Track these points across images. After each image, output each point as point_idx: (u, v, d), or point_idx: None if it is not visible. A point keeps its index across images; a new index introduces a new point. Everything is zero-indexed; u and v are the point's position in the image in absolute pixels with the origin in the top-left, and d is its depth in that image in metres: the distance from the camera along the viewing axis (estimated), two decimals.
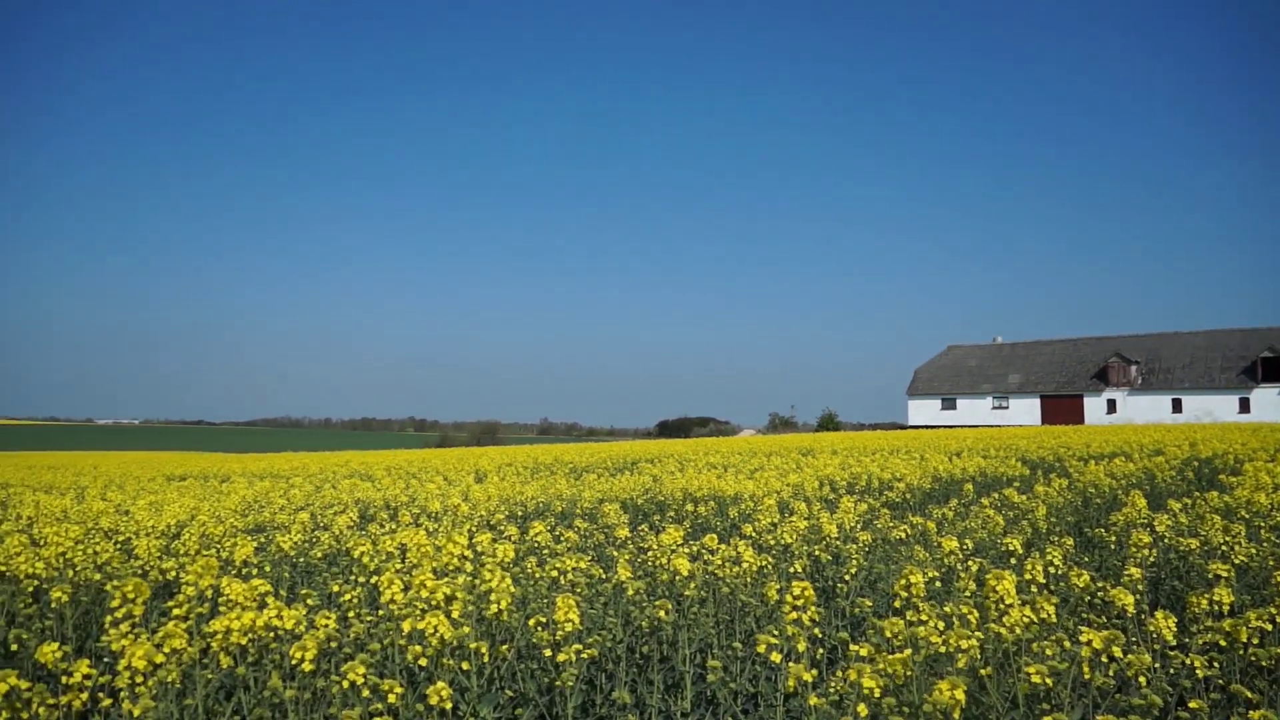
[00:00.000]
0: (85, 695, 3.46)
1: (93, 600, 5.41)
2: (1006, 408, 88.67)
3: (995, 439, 27.26)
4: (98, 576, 5.51)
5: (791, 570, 5.91)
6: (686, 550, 5.82)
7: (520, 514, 11.17)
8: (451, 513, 9.15)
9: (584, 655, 3.93)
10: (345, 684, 3.45)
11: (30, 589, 5.27)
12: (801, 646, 3.87)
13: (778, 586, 4.96)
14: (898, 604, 4.43)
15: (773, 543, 6.55)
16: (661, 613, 4.45)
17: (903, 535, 7.16)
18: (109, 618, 3.93)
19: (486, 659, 3.90)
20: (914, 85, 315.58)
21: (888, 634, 3.90)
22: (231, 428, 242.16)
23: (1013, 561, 5.89)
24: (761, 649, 3.84)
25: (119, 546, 6.96)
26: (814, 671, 3.60)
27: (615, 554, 6.86)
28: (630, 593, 4.71)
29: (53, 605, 5.02)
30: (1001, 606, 3.89)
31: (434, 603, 3.90)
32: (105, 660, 4.21)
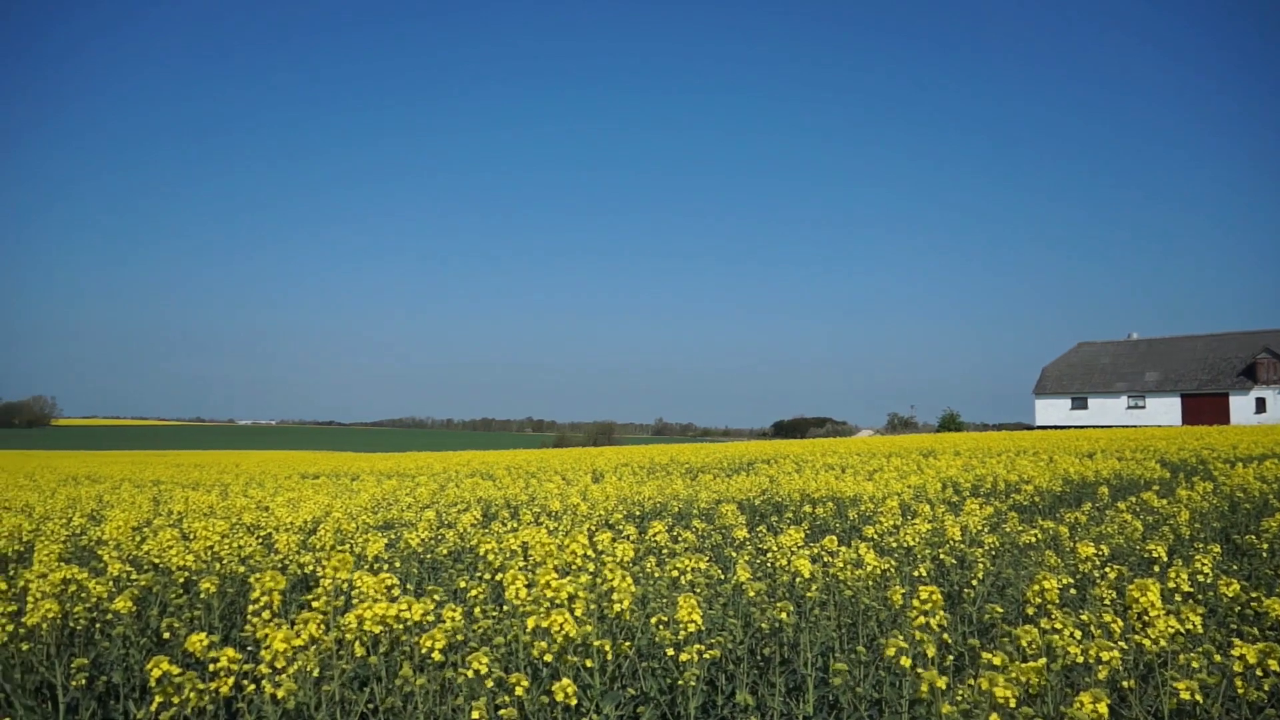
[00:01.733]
0: (231, 681, 3.65)
1: (238, 592, 5.71)
2: (1143, 407, 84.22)
3: (1131, 440, 25.93)
4: (242, 569, 5.81)
5: (915, 574, 5.76)
6: (806, 552, 5.74)
7: (638, 514, 11.24)
8: (571, 512, 9.28)
9: (706, 656, 3.92)
10: (469, 673, 3.53)
11: (181, 580, 5.60)
12: (931, 652, 3.76)
13: (902, 590, 4.84)
14: (1030, 611, 4.26)
15: (895, 545, 6.39)
16: (783, 614, 4.40)
17: (1032, 540, 6.89)
18: (250, 608, 4.13)
19: (609, 657, 3.93)
20: (1040, 79, 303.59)
21: (1021, 642, 3.76)
22: (360, 428, 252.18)
23: (1155, 569, 5.59)
24: (890, 653, 3.75)
25: (261, 541, 7.33)
26: (945, 678, 3.49)
27: (733, 555, 6.82)
28: (751, 594, 4.68)
29: (201, 596, 5.31)
30: (1147, 617, 3.69)
31: (557, 601, 3.96)
32: (249, 649, 4.44)
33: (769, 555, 6.25)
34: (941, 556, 6.12)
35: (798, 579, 4.85)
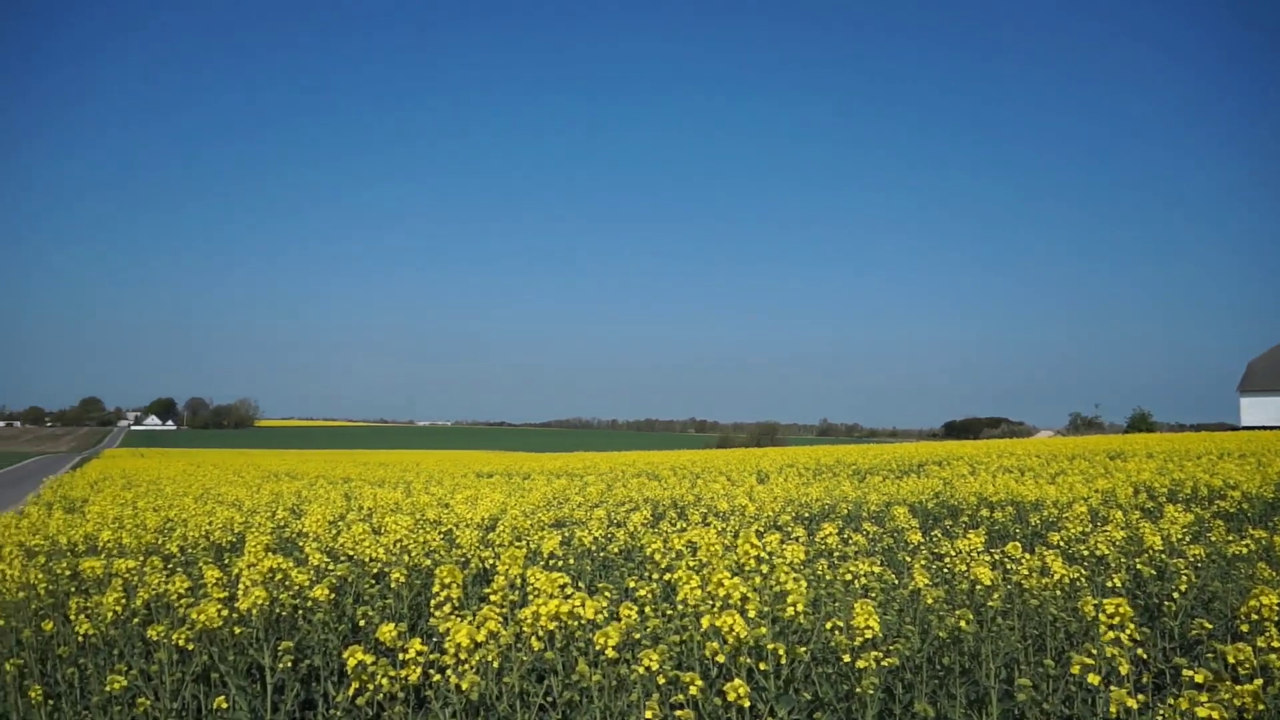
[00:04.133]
0: (419, 670, 3.84)
1: (424, 584, 6.01)
2: None
3: None
4: (428, 562, 6.11)
5: (1109, 584, 5.42)
6: (987, 558, 5.51)
7: (806, 516, 11.10)
8: (739, 513, 9.25)
9: (884, 663, 3.82)
10: (640, 670, 3.58)
11: (373, 571, 5.94)
12: (1124, 669, 3.53)
13: (1094, 601, 4.57)
14: (1243, 628, 3.93)
15: (1085, 553, 6.04)
16: (963, 623, 4.23)
17: (1242, 550, 6.35)
18: (433, 601, 4.34)
19: (783, 660, 3.89)
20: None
21: (1230, 660, 3.46)
22: (529, 428, 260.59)
23: None
24: (1076, 670, 3.54)
25: (443, 536, 7.69)
26: (1140, 697, 3.27)
27: (908, 559, 6.63)
28: (929, 600, 4.53)
29: (391, 586, 5.62)
30: None
31: (730, 602, 3.95)
32: (434, 639, 4.65)
33: (945, 561, 6.04)
34: (1139, 567, 5.73)
35: (977, 586, 4.66)
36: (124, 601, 5.42)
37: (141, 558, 6.68)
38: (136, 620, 5.52)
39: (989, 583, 4.58)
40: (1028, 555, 5.25)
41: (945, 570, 5.94)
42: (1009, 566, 5.34)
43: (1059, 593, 4.84)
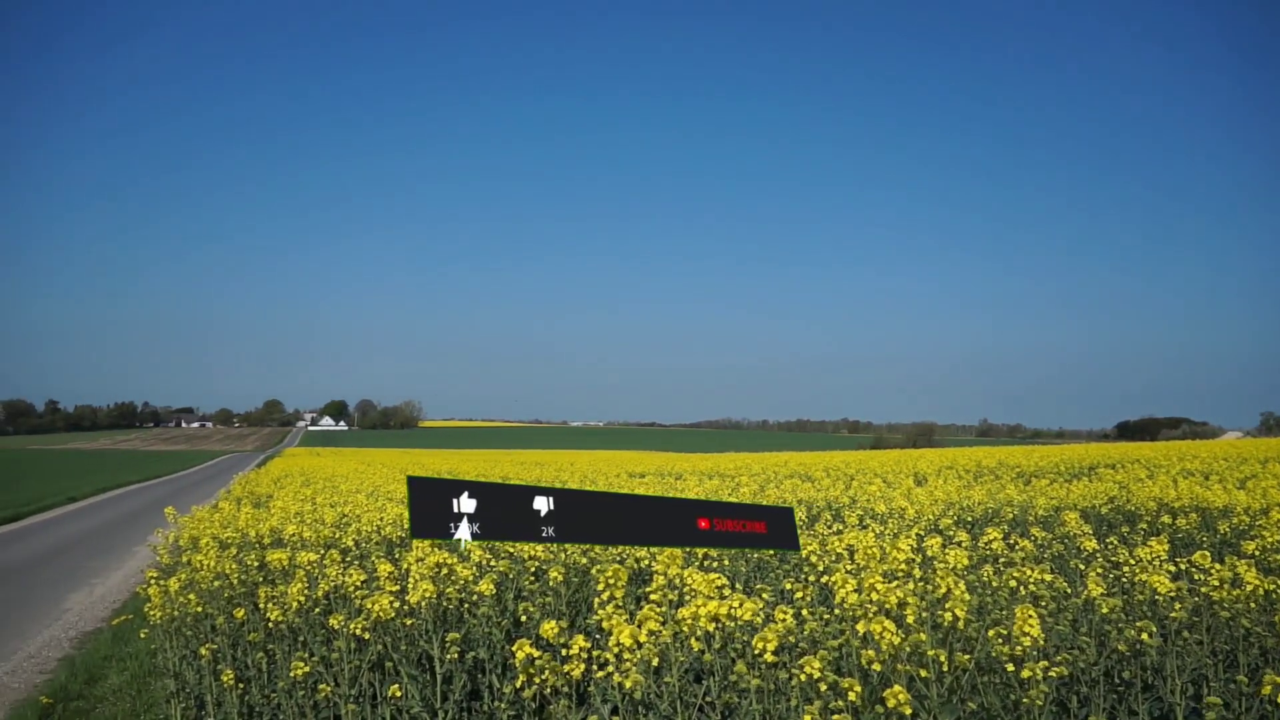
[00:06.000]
0: (582, 666, 3.93)
1: (581, 582, 6.14)
2: None
3: None
4: (584, 561, 6.24)
5: None
6: (1170, 567, 5.17)
7: (968, 520, 10.70)
8: (898, 516, 9.01)
9: (1052, 673, 3.64)
10: (803, 676, 3.54)
11: (533, 569, 6.12)
12: None
13: None
14: None
15: None
16: (1145, 635, 3.98)
17: None
18: (597, 599, 4.42)
19: (945, 668, 3.77)
20: None
21: None
22: (680, 429, 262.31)
23: None
24: (1267, 690, 3.29)
25: None
26: None
27: (1081, 566, 6.30)
28: (1105, 610, 4.28)
29: (550, 583, 5.77)
30: None
31: (885, 606, 3.86)
32: (595, 636, 4.75)
33: (1123, 569, 5.71)
34: None
35: (1158, 597, 4.37)
36: (307, 592, 5.78)
37: (321, 551, 7.10)
38: (318, 610, 5.88)
39: (1172, 593, 4.30)
40: (1217, 565, 4.89)
41: (1124, 579, 5.61)
42: (1196, 576, 5.00)
43: (1253, 605, 4.49)
